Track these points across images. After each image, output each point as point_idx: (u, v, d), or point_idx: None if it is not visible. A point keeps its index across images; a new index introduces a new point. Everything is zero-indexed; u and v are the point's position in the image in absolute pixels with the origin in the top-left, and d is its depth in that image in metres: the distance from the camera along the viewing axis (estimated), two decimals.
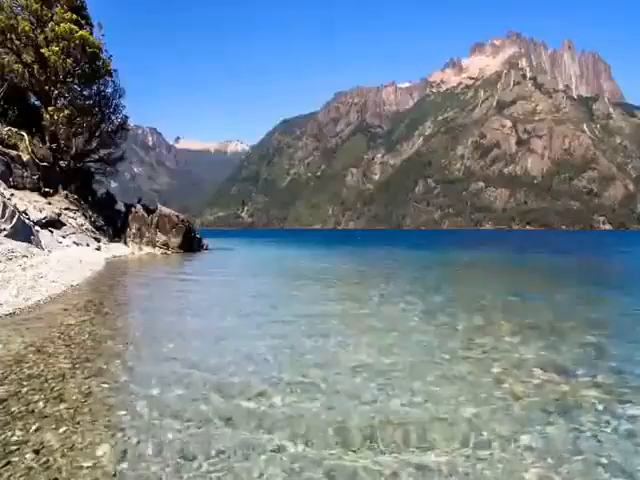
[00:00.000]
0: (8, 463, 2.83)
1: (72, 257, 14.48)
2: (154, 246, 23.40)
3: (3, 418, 3.43)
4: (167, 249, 23.40)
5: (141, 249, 22.66)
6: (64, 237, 17.90)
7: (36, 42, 21.05)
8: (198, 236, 27.05)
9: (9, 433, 3.20)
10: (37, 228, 16.07)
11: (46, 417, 3.47)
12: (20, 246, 12.48)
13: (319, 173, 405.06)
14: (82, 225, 20.81)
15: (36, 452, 2.96)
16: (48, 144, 22.40)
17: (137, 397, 3.94)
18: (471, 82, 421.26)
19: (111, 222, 24.00)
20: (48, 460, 2.88)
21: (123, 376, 4.49)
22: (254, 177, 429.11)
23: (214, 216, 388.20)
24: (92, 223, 22.19)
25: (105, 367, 4.72)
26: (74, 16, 21.67)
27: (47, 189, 20.82)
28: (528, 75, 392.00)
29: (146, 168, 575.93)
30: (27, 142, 21.10)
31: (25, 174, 19.84)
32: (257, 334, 6.31)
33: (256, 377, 4.50)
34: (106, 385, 4.19)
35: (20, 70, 21.24)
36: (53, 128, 22.20)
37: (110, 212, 25.01)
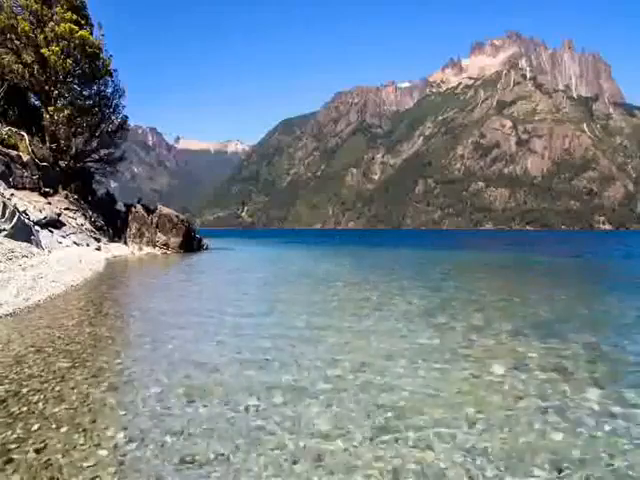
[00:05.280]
0: (9, 462, 2.84)
1: (72, 257, 14.48)
2: (154, 246, 23.40)
3: (4, 418, 3.44)
4: (167, 249, 23.40)
5: (141, 249, 22.66)
6: (64, 237, 17.90)
7: (36, 42, 21.04)
8: (198, 236, 27.06)
9: (10, 433, 3.21)
10: (37, 228, 16.07)
11: (46, 417, 3.48)
12: (20, 246, 12.48)
13: (319, 173, 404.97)
14: (82, 225, 20.81)
15: (37, 452, 2.97)
16: (48, 144, 22.40)
17: (137, 397, 3.94)
18: (471, 82, 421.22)
19: (111, 222, 23.99)
20: (49, 460, 2.88)
21: (123, 376, 4.49)
22: (254, 177, 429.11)
23: (214, 216, 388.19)
24: (92, 223, 22.19)
25: (105, 367, 4.72)
26: (74, 16, 21.66)
27: (47, 189, 20.82)
28: (528, 75, 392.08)
29: (146, 168, 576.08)
30: (27, 142, 21.10)
31: (25, 174, 19.84)
32: (257, 333, 6.31)
33: (257, 374, 4.51)
34: (106, 385, 4.20)
35: (20, 70, 21.23)
36: (53, 128, 22.20)
37: (110, 212, 25.00)
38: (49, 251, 14.56)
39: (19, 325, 6.36)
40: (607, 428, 3.44)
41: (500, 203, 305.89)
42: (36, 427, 3.30)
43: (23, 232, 13.83)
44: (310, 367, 4.80)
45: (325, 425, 3.46)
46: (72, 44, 21.46)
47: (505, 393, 4.13)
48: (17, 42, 21.12)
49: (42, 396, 3.86)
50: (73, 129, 23.12)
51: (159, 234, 23.66)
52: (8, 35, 20.83)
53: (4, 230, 12.75)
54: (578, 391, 4.17)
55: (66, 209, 20.62)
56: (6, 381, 4.19)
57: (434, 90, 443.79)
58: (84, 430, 3.28)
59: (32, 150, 21.00)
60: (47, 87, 22.28)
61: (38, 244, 14.52)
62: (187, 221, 25.31)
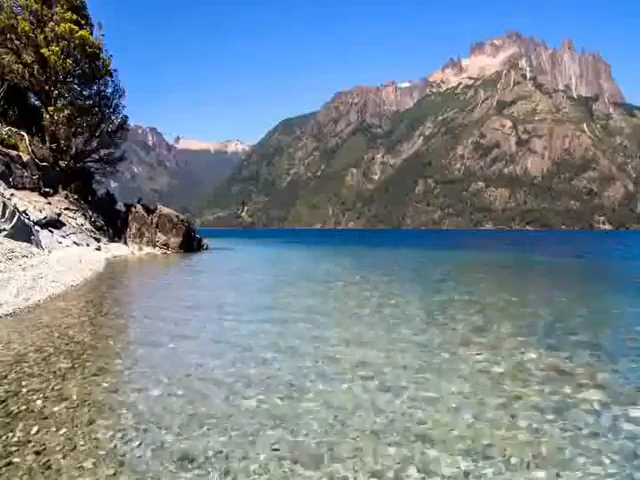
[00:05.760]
0: (9, 463, 2.84)
1: (72, 257, 14.48)
2: (154, 246, 23.40)
3: (3, 418, 3.44)
4: (167, 249, 23.40)
5: (141, 249, 22.66)
6: (64, 237, 17.90)
7: (36, 42, 21.04)
8: (198, 236, 27.06)
9: (10, 433, 3.20)
10: (37, 228, 16.07)
11: (46, 417, 3.47)
12: (20, 246, 12.48)
13: (319, 173, 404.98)
14: (82, 225, 20.81)
15: (37, 453, 2.97)
16: (48, 144, 22.39)
17: (137, 397, 3.94)
18: (471, 82, 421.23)
19: (111, 222, 24.00)
20: (49, 460, 2.88)
21: (123, 376, 4.49)
22: (254, 177, 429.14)
23: (214, 216, 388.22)
24: (92, 223, 22.19)
25: (105, 367, 4.72)
26: (74, 16, 21.65)
27: (47, 189, 20.82)
28: (528, 75, 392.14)
29: (146, 168, 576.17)
30: (27, 142, 21.10)
31: (25, 174, 19.84)
32: (257, 333, 6.31)
33: (256, 374, 4.51)
34: (106, 385, 4.19)
35: (20, 70, 21.23)
36: (53, 128, 22.19)
37: (110, 212, 25.00)
38: (49, 251, 14.55)
39: (19, 325, 6.36)
40: (608, 428, 3.44)
41: (500, 203, 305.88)
42: (36, 428, 3.30)
43: (23, 232, 13.83)
44: (309, 367, 4.80)
45: (324, 425, 3.46)
46: (72, 44, 21.46)
47: (505, 393, 4.13)
48: (17, 42, 21.12)
49: (42, 396, 3.86)
50: (73, 129, 23.12)
51: (159, 234, 23.66)
52: (8, 35, 20.83)
53: (4, 230, 12.74)
54: (578, 391, 4.16)
55: (66, 209, 20.62)
56: (6, 381, 4.19)
57: (434, 90, 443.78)
58: (84, 431, 3.28)
59: (32, 150, 20.99)
60: (47, 87, 22.27)
61: (38, 244, 14.51)
62: (187, 221, 25.32)
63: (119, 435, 3.24)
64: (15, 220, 13.46)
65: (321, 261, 22.52)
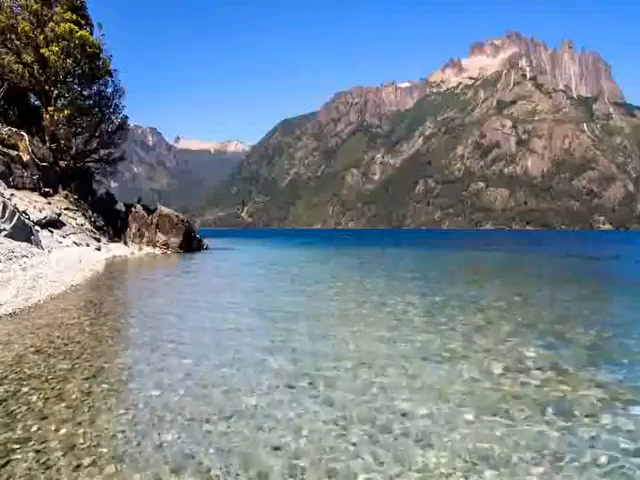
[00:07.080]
0: (9, 462, 2.84)
1: (72, 257, 14.48)
2: (154, 246, 23.41)
3: (3, 418, 3.44)
4: (167, 249, 23.41)
5: (141, 249, 22.67)
6: (64, 237, 17.90)
7: (36, 42, 21.07)
8: (198, 236, 27.07)
9: (10, 433, 3.21)
10: (37, 228, 16.07)
11: (46, 417, 3.48)
12: (20, 246, 12.48)
13: (319, 173, 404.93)
14: (82, 225, 20.81)
15: (36, 451, 2.97)
16: (48, 144, 22.41)
17: (137, 397, 3.95)
18: (471, 82, 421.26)
19: (111, 222, 24.01)
20: (48, 459, 2.88)
21: (123, 376, 4.49)
22: (254, 177, 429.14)
23: (214, 216, 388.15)
24: (92, 223, 22.20)
25: (105, 367, 4.72)
26: (74, 16, 21.69)
27: (47, 189, 20.82)
28: (528, 75, 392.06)
29: (146, 168, 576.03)
30: (27, 142, 21.10)
31: (25, 174, 19.84)
32: (256, 333, 6.31)
33: (256, 374, 4.51)
34: (106, 385, 4.20)
35: (20, 70, 21.26)
36: (53, 128, 22.22)
37: (110, 212, 25.01)
38: (49, 251, 14.55)
39: (19, 325, 6.36)
40: (607, 428, 3.44)
41: (500, 203, 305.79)
42: (36, 427, 3.30)
43: (23, 232, 13.83)
44: (310, 366, 4.80)
45: (325, 423, 3.46)
46: (72, 44, 21.48)
47: (504, 393, 4.13)
48: (17, 42, 21.16)
49: (42, 396, 3.86)
50: (73, 129, 23.16)
51: (159, 234, 23.67)
52: (8, 35, 20.86)
53: (4, 230, 12.75)
54: (578, 391, 4.17)
55: (66, 209, 20.62)
56: (6, 381, 4.19)
57: (434, 90, 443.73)
58: (84, 430, 3.28)
59: (32, 150, 21.00)
60: (47, 87, 22.29)
61: (38, 244, 14.51)
62: (187, 221, 25.34)
63: (119, 435, 3.24)
64: (15, 220, 13.46)
65: (321, 261, 22.52)
